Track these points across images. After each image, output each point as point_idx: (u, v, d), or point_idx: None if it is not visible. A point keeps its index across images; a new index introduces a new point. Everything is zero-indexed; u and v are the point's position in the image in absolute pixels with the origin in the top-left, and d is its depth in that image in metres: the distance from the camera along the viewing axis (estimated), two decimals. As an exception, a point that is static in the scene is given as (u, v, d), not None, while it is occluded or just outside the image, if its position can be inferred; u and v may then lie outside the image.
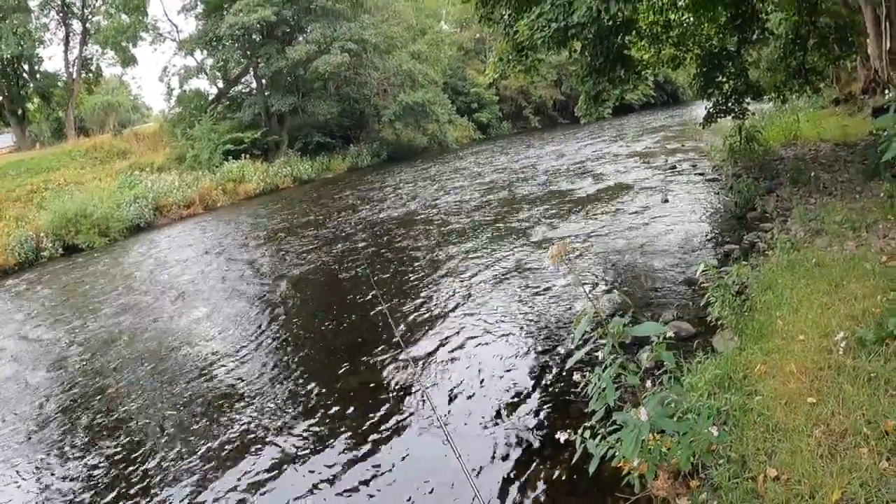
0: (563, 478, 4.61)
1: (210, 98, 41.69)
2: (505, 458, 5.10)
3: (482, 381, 6.55)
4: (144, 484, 5.64)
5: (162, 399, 7.58)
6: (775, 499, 3.30)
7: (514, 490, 4.68)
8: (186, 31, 53.80)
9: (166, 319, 11.24)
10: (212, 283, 13.57)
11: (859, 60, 21.82)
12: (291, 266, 13.92)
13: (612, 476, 3.93)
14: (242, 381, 7.67)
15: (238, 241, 18.75)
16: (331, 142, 40.21)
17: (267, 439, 6.08)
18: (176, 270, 15.58)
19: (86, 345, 10.37)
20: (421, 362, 7.29)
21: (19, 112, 41.78)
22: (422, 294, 10.14)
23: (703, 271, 5.86)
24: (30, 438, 7.11)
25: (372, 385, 6.93)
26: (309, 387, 7.16)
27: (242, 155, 33.88)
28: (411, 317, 9.02)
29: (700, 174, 16.70)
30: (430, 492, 4.81)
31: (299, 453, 5.72)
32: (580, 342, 3.67)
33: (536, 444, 5.20)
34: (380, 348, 7.92)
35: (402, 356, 7.46)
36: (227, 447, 6.05)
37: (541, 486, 4.64)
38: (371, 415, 6.20)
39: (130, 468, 5.97)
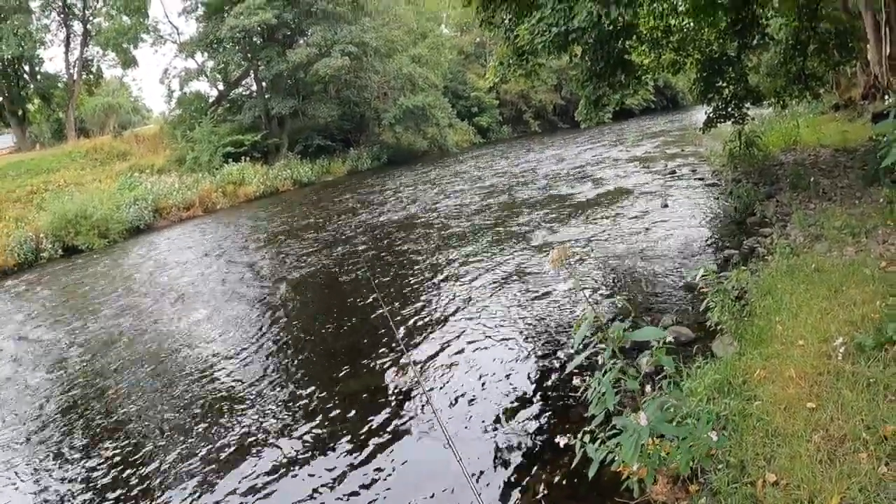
0: (563, 482, 4.62)
1: (210, 100, 41.74)
2: (505, 461, 5.11)
3: (482, 385, 6.55)
4: (144, 486, 5.64)
5: (162, 401, 7.58)
6: (774, 504, 3.31)
7: (514, 494, 4.69)
8: (187, 34, 54.03)
9: (166, 321, 11.24)
10: (212, 285, 13.57)
11: (859, 66, 21.87)
12: (291, 269, 13.92)
13: (611, 480, 3.93)
14: (243, 383, 7.67)
15: (238, 244, 18.76)
16: (331, 145, 40.27)
17: (267, 442, 6.08)
18: (176, 272, 15.58)
19: (86, 346, 10.37)
20: (421, 366, 7.30)
21: (20, 113, 41.81)
22: (422, 297, 10.15)
23: (702, 276, 5.87)
24: (29, 440, 7.12)
25: (372, 388, 6.94)
26: (309, 389, 7.16)
27: (242, 157, 33.93)
28: (412, 320, 9.02)
29: (700, 179, 16.71)
30: (431, 496, 4.81)
31: (300, 457, 5.72)
32: (580, 347, 3.68)
33: (536, 449, 5.21)
34: (380, 351, 7.92)
35: (402, 360, 7.48)
36: (227, 450, 6.05)
37: (541, 490, 4.64)
38: (372, 418, 6.20)
39: (130, 471, 5.97)
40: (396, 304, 9.89)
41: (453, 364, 7.24)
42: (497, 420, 5.77)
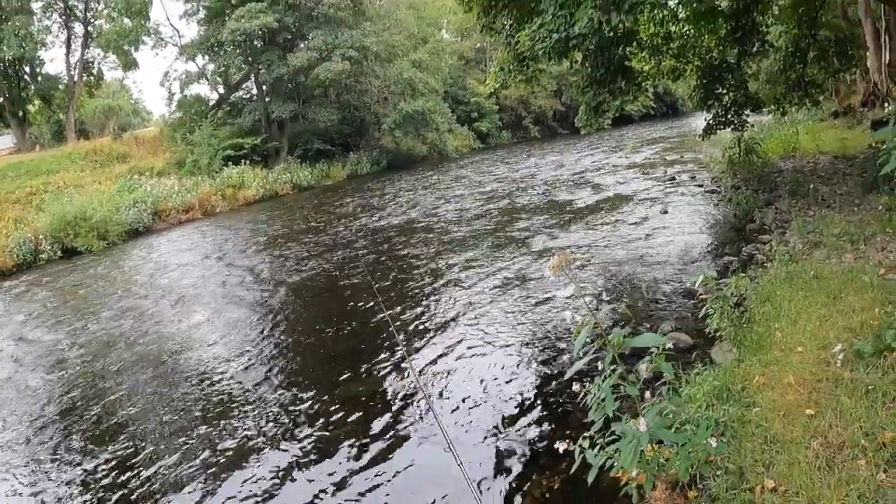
0: (563, 487, 4.62)
1: (211, 103, 41.75)
2: (505, 466, 5.11)
3: (483, 390, 6.56)
4: (144, 489, 5.63)
5: (162, 404, 7.57)
6: (773, 510, 3.31)
7: (514, 499, 4.69)
8: (188, 36, 53.94)
9: (166, 323, 11.23)
10: (212, 287, 13.57)
11: (859, 73, 21.97)
12: (292, 272, 13.93)
13: (610, 486, 3.94)
14: (243, 386, 7.66)
15: (238, 247, 18.76)
16: (330, 149, 40.26)
17: (267, 446, 6.08)
18: (176, 275, 15.58)
19: (86, 347, 10.36)
20: (422, 370, 7.30)
21: (20, 114, 41.75)
22: (423, 302, 10.16)
23: (701, 283, 5.87)
24: (29, 441, 7.11)
25: (373, 392, 6.94)
26: (310, 393, 7.16)
27: (242, 161, 33.90)
28: (412, 325, 9.03)
29: (699, 186, 16.76)
30: (432, 502, 4.81)
31: (300, 461, 5.72)
32: (580, 353, 3.68)
33: (536, 454, 5.21)
34: (381, 356, 7.93)
35: (403, 364, 7.48)
36: (226, 454, 6.04)
37: (540, 495, 4.65)
38: (372, 422, 6.21)
39: (130, 473, 5.96)
40: (397, 308, 9.90)
41: (454, 369, 7.25)
42: (497, 425, 5.78)
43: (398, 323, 9.03)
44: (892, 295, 5.28)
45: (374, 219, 20.19)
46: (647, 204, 15.22)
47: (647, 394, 3.81)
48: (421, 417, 6.17)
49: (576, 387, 3.88)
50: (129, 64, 42.93)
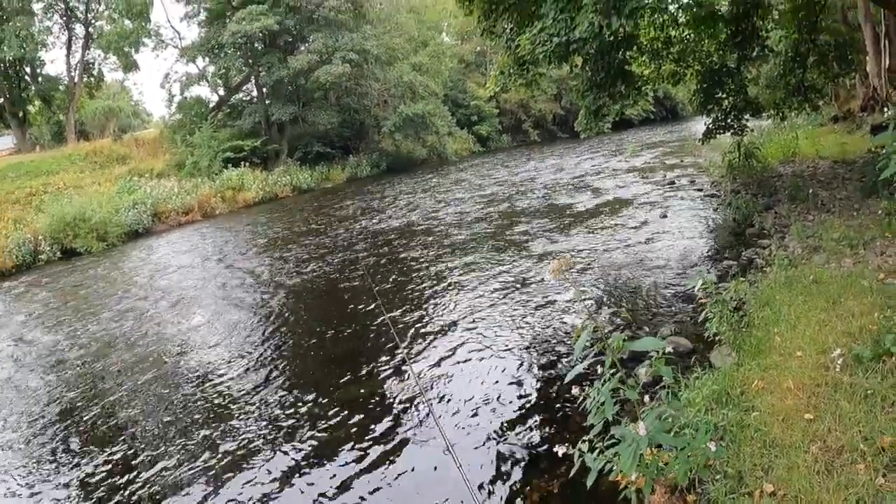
0: (561, 491, 4.63)
1: (211, 105, 41.82)
2: (505, 470, 5.11)
3: (483, 394, 6.56)
4: (144, 492, 5.63)
5: (162, 406, 7.57)
6: (772, 514, 3.31)
7: (513, 502, 4.70)
8: (189, 38, 54.17)
9: (167, 325, 11.23)
10: (212, 289, 13.56)
11: (858, 78, 22.01)
12: (291, 274, 13.93)
13: (609, 490, 3.94)
14: (243, 389, 7.66)
15: (238, 249, 18.76)
16: (330, 152, 40.27)
17: (267, 449, 6.08)
18: (175, 276, 15.58)
19: (86, 348, 10.36)
20: (422, 373, 7.30)
21: (20, 114, 41.78)
22: (423, 305, 10.16)
23: (701, 287, 5.89)
24: (29, 442, 7.10)
25: (373, 395, 6.94)
26: (310, 396, 7.16)
27: (242, 163, 33.93)
28: (412, 328, 9.03)
29: (699, 190, 16.77)
30: (431, 504, 4.81)
31: (300, 463, 5.72)
32: (580, 356, 3.68)
33: (535, 457, 5.22)
34: (381, 359, 7.93)
35: (403, 367, 7.48)
36: (226, 457, 6.04)
37: (539, 498, 4.65)
38: (372, 425, 6.21)
39: (130, 476, 5.96)
40: (397, 311, 9.90)
41: (453, 372, 7.25)
42: (497, 428, 5.78)
43: (399, 326, 9.03)
44: (891, 299, 5.29)
45: (373, 221, 20.20)
46: (647, 208, 15.24)
47: (647, 398, 3.82)
48: (421, 421, 6.17)
49: (575, 390, 3.88)
50: (130, 65, 42.98)
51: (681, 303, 8.16)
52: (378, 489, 5.15)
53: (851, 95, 24.58)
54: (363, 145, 43.32)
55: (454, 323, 8.94)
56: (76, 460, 6.47)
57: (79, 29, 42.11)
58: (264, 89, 40.14)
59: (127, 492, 5.65)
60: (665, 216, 13.87)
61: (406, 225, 18.69)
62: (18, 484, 6.17)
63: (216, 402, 7.41)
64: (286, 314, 10.93)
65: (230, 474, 5.69)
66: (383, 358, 7.94)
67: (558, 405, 6.02)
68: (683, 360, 5.93)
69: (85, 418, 7.51)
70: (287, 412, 6.84)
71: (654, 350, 3.64)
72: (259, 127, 39.38)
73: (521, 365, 7.18)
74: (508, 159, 39.42)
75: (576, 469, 3.75)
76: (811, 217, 9.59)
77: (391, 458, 5.58)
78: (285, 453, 5.92)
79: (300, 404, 6.98)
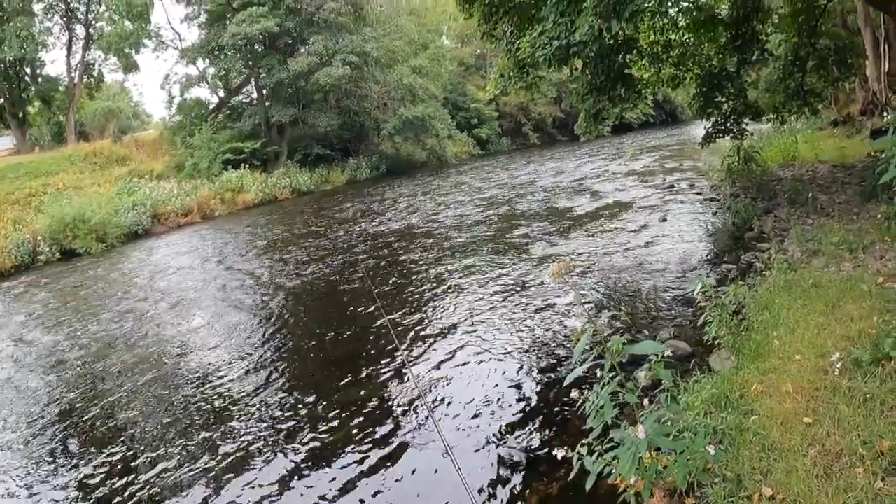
0: (560, 494, 4.63)
1: (211, 107, 41.80)
2: (504, 473, 5.12)
3: (482, 397, 6.57)
4: (143, 493, 5.63)
5: (162, 407, 7.57)
6: (771, 518, 3.32)
7: (511, 505, 4.70)
8: (189, 40, 54.01)
9: (166, 326, 11.23)
10: (211, 291, 13.56)
11: (858, 82, 22.03)
12: (291, 276, 13.93)
13: (608, 493, 3.94)
14: (243, 391, 7.66)
15: (237, 251, 18.76)
16: (330, 154, 40.27)
17: (267, 451, 6.08)
18: (175, 278, 15.58)
19: (85, 349, 10.36)
20: (421, 376, 7.31)
21: (20, 115, 41.77)
22: (422, 308, 10.16)
23: (700, 290, 5.89)
24: (28, 443, 7.10)
25: (373, 398, 6.94)
26: (309, 398, 7.16)
27: (241, 165, 33.92)
28: (412, 331, 9.03)
29: (698, 194, 16.80)
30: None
31: (299, 466, 5.72)
32: (579, 360, 3.69)
33: (535, 460, 5.22)
34: (380, 361, 7.94)
35: (402, 370, 7.48)
36: (226, 459, 6.04)
37: (538, 501, 4.66)
38: (371, 428, 6.21)
39: (129, 478, 5.95)
40: (396, 314, 9.90)
41: (453, 375, 7.26)
42: (496, 431, 5.78)
43: (399, 328, 9.03)
44: (890, 303, 5.30)
45: (373, 224, 20.20)
46: (647, 211, 15.25)
47: (646, 401, 3.82)
48: (420, 424, 6.17)
49: (574, 394, 3.89)
50: (130, 66, 42.95)
51: (680, 306, 8.17)
52: (378, 492, 5.15)
53: (851, 99, 24.59)
54: (363, 148, 43.32)
55: (454, 326, 8.95)
56: (75, 461, 6.47)
57: (79, 30, 42.13)
58: (264, 91, 40.15)
59: (126, 493, 5.65)
60: (664, 220, 13.89)
61: (406, 227, 18.69)
62: (18, 485, 6.16)
63: (216, 403, 7.41)
64: (286, 316, 10.93)
65: (230, 476, 5.69)
66: (383, 360, 7.94)
67: (557, 408, 6.03)
68: (683, 364, 5.93)
69: (84, 419, 7.51)
70: (287, 414, 6.84)
71: (654, 354, 3.65)
72: (259, 129, 39.39)
73: (520, 368, 7.18)
74: (508, 162, 39.44)
75: (575, 472, 3.76)
76: (810, 221, 9.60)
77: (391, 460, 5.58)
78: (285, 455, 5.92)
79: (300, 406, 6.98)
